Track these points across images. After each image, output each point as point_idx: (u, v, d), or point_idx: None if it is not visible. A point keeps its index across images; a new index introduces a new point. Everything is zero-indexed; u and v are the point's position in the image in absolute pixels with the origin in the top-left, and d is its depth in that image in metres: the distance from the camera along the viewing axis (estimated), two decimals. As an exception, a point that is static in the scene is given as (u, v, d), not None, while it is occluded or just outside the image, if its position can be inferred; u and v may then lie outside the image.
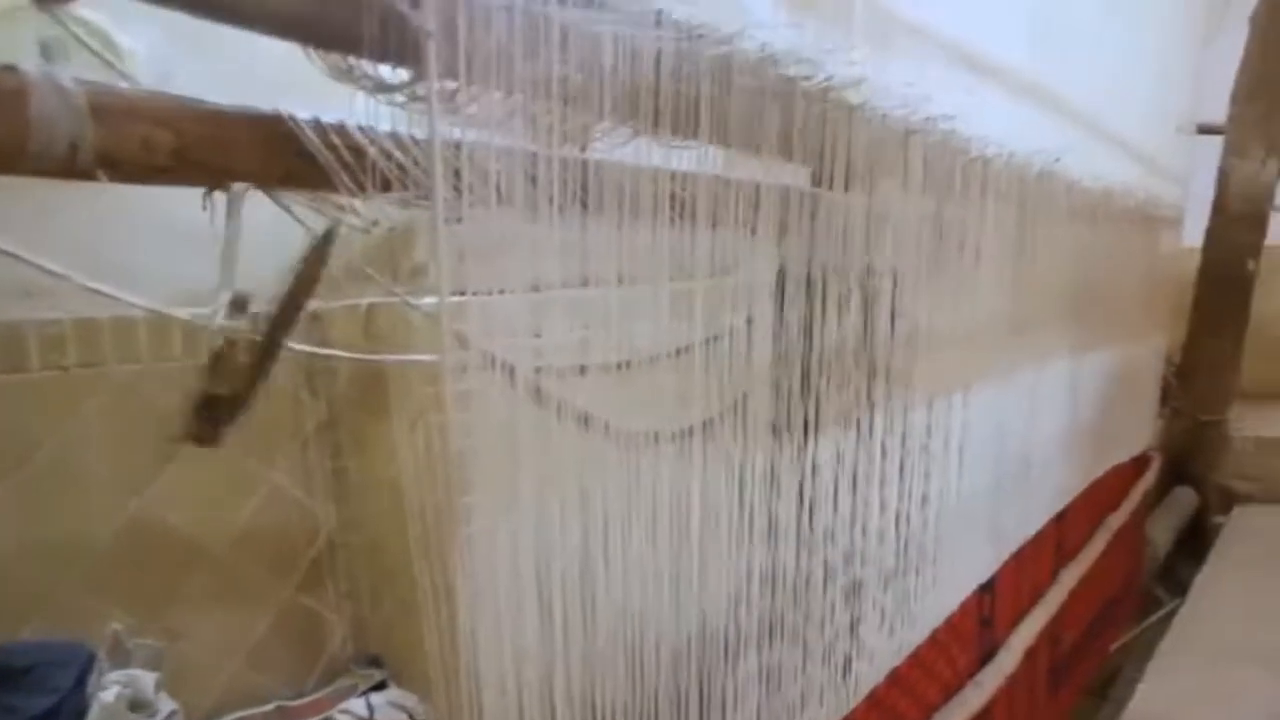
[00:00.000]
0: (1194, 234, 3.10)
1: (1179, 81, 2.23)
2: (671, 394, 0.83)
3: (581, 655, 0.73)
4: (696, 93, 0.69)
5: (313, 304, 1.41)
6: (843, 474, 1.04)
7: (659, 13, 0.63)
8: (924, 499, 1.19)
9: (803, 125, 0.81)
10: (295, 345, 1.13)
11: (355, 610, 1.58)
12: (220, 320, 0.87)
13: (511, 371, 0.67)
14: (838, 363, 1.00)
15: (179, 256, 1.01)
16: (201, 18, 0.47)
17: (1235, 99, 2.93)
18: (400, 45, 0.52)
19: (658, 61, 0.65)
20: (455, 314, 0.58)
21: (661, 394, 0.82)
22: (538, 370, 0.70)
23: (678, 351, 0.83)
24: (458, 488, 0.62)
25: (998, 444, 1.38)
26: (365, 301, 1.38)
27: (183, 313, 0.95)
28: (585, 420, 0.77)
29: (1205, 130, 2.92)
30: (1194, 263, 3.19)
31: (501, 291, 0.64)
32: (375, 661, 1.53)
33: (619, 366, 0.80)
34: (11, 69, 0.49)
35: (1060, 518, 1.74)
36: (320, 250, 0.74)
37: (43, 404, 1.22)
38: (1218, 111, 3.02)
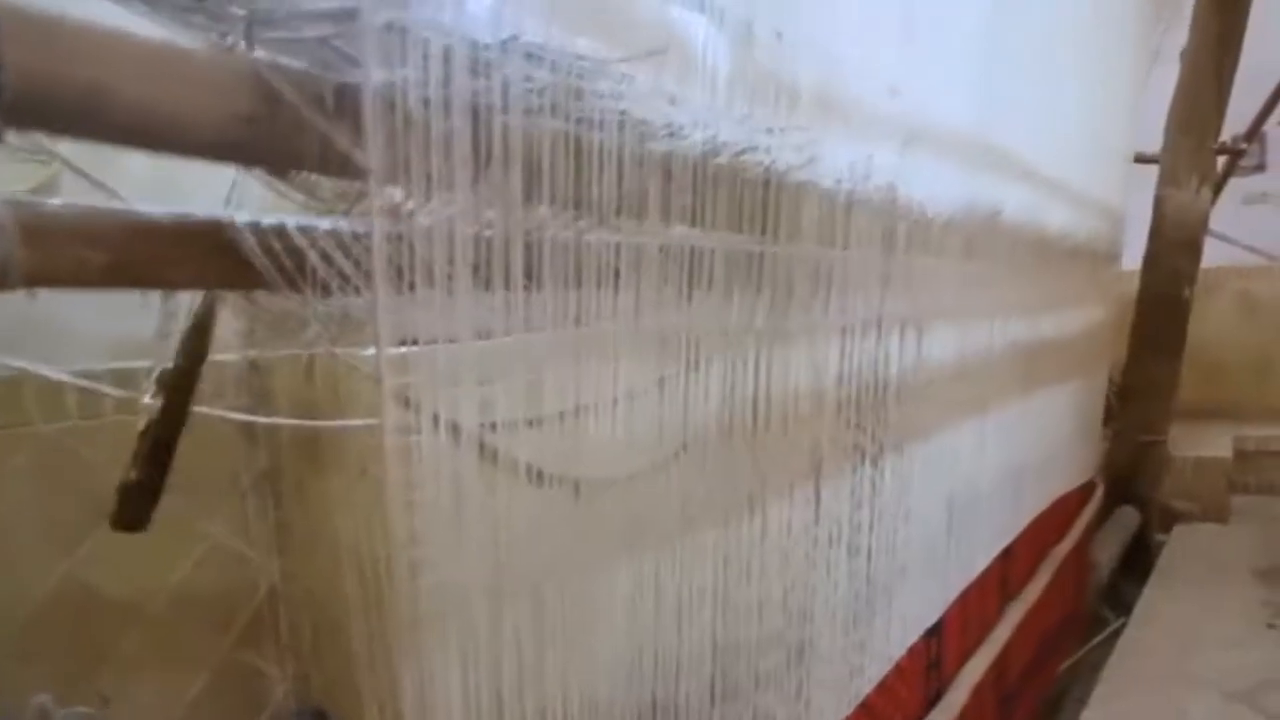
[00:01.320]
0: (1133, 257, 3.19)
1: (1118, 120, 2.30)
2: (618, 442, 0.83)
3: (533, 708, 0.73)
4: (643, 185, 0.69)
5: (253, 354, 1.40)
6: (791, 533, 1.05)
7: (602, 111, 0.63)
8: (871, 551, 1.20)
9: (750, 205, 0.82)
10: (222, 412, 1.12)
11: (298, 664, 1.55)
12: (148, 400, 0.86)
13: (455, 425, 0.67)
14: (786, 420, 1.01)
15: (112, 308, 0.99)
16: (133, 149, 0.47)
17: (1169, 131, 3.02)
18: (343, 162, 0.51)
19: (601, 158, 0.65)
20: (398, 368, 0.58)
21: (608, 443, 0.83)
22: (483, 424, 0.70)
23: (615, 401, 0.83)
24: (401, 541, 0.62)
25: (945, 489, 1.41)
26: (308, 352, 1.36)
27: (113, 391, 0.93)
28: (530, 471, 0.77)
29: (1141, 160, 3.00)
30: (1134, 285, 3.29)
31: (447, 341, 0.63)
32: (319, 715, 1.51)
33: (563, 416, 0.80)
34: (-64, 196, 0.47)
35: (1006, 552, 1.77)
36: (200, 330, 0.73)
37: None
38: (1152, 141, 3.11)
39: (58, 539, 1.25)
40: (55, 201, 0.52)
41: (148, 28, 0.50)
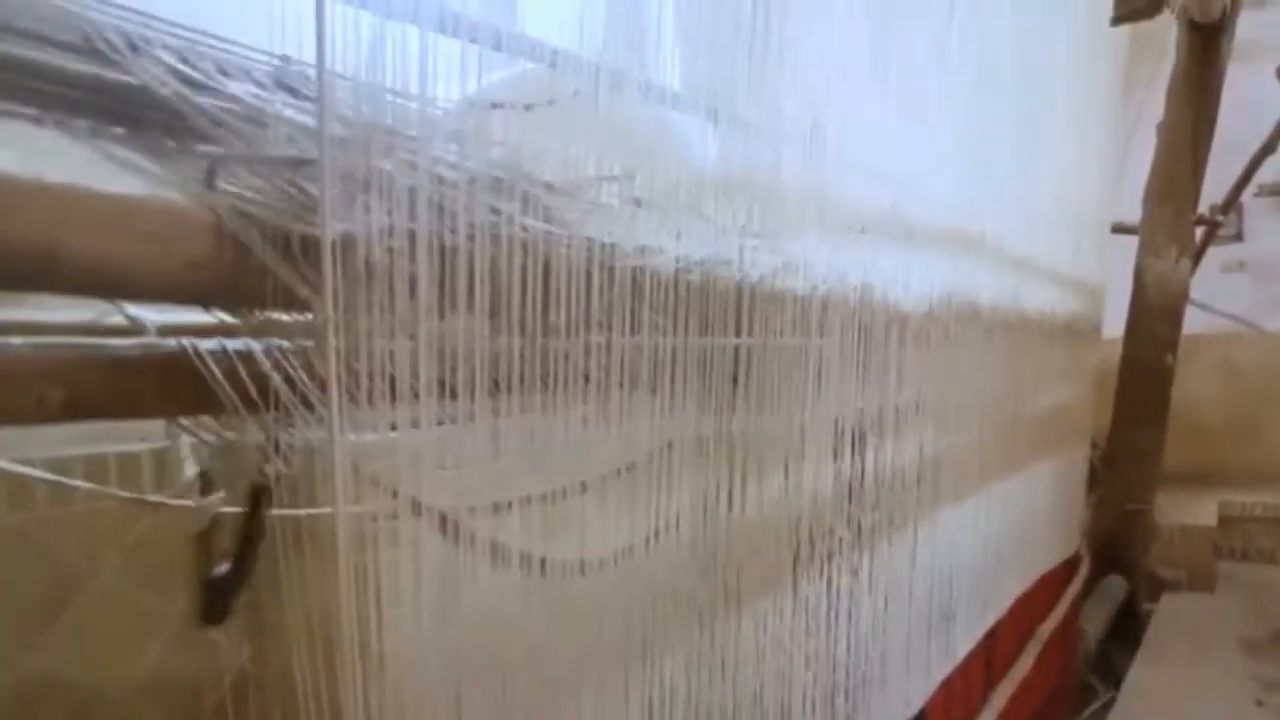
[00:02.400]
0: (1114, 324, 3.22)
1: (1097, 194, 2.33)
2: (591, 525, 0.83)
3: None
4: (613, 301, 0.69)
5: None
6: (767, 624, 1.04)
7: (570, 235, 0.64)
8: (850, 642, 1.19)
9: (724, 310, 0.82)
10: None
11: (271, 752, 1.51)
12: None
13: (424, 509, 0.66)
14: (762, 510, 1.01)
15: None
16: (98, 298, 0.47)
17: (1147, 203, 3.06)
18: (303, 303, 0.51)
19: (570, 278, 0.65)
20: (366, 455, 0.58)
21: (581, 525, 0.82)
22: (454, 509, 0.70)
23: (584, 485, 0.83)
24: (371, 625, 0.61)
25: (925, 575, 1.40)
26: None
27: (84, 485, 0.92)
28: (495, 553, 0.76)
29: (1119, 230, 3.04)
30: (1116, 351, 3.31)
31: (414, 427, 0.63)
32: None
33: (534, 500, 0.79)
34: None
35: (990, 634, 1.75)
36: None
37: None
38: (1133, 210, 3.16)
39: (18, 629, 1.22)
40: (16, 341, 0.52)
41: (109, 171, 0.51)
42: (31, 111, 0.51)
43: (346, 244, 0.49)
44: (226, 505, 1.16)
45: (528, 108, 0.62)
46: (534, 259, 0.61)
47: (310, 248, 0.49)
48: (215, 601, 0.90)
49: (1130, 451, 3.31)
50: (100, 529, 1.06)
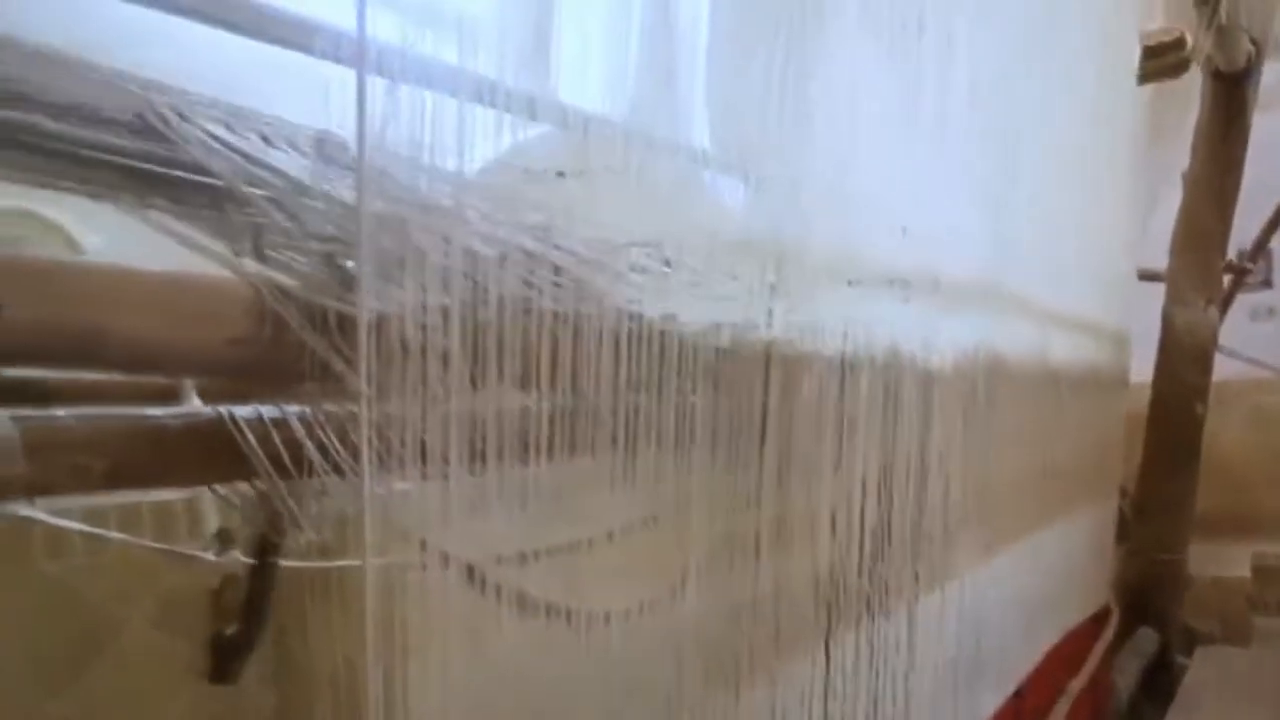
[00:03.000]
0: (1142, 369, 3.19)
1: (1124, 242, 2.33)
2: (615, 577, 0.83)
3: None
4: (640, 365, 0.70)
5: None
6: (791, 687, 1.03)
7: (601, 304, 0.64)
8: (877, 703, 1.18)
9: (749, 373, 0.83)
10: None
11: (295, 802, 1.51)
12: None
13: (450, 560, 0.66)
14: (789, 568, 1.00)
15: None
16: (130, 374, 0.48)
17: (1173, 250, 3.05)
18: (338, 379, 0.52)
19: (598, 344, 0.66)
20: (395, 506, 0.58)
21: (609, 574, 0.82)
22: (481, 560, 0.70)
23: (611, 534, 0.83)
24: (396, 677, 0.62)
25: (952, 632, 1.38)
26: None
27: (117, 536, 0.93)
28: (528, 604, 0.76)
29: (1146, 277, 3.03)
30: (1144, 397, 3.27)
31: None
32: None
33: (558, 551, 0.79)
34: (-57, 419, 0.48)
35: (1018, 691, 1.72)
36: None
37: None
38: (1161, 256, 3.14)
39: (47, 678, 1.23)
40: (61, 412, 0.53)
41: (155, 242, 0.52)
42: (86, 186, 0.53)
43: (381, 321, 0.50)
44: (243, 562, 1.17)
45: (560, 174, 0.63)
46: (564, 329, 0.62)
47: (346, 324, 0.50)
48: (225, 662, 0.91)
49: (1160, 500, 3.26)
50: (133, 578, 1.07)
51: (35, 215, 0.84)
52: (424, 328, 0.51)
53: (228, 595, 0.87)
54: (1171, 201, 3.11)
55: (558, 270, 0.60)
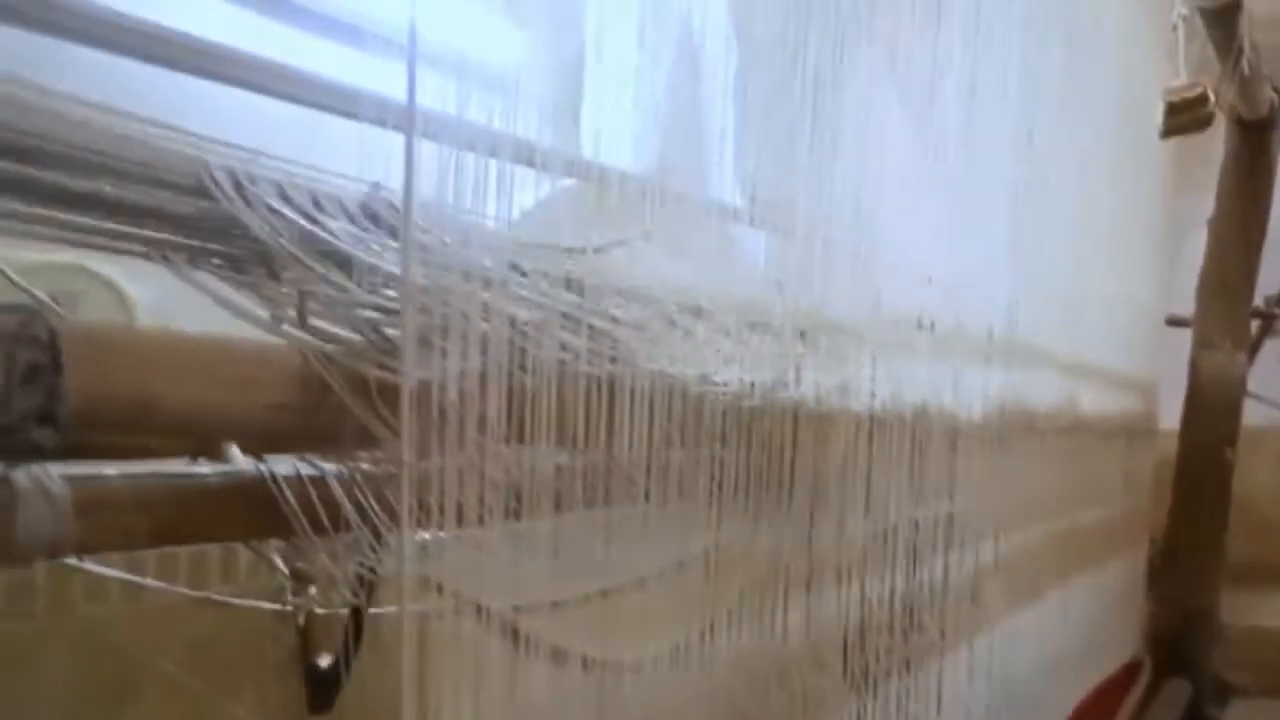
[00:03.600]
0: (1170, 414, 3.15)
1: (1149, 289, 2.32)
2: (648, 625, 0.83)
3: None
4: (673, 425, 0.71)
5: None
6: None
7: (635, 368, 0.65)
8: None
9: (779, 430, 0.83)
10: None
11: None
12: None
13: (486, 612, 0.67)
14: (818, 631, 1.00)
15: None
16: (176, 438, 0.49)
17: (1200, 296, 3.03)
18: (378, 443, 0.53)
19: (633, 406, 0.67)
20: (428, 557, 0.58)
21: (638, 625, 0.82)
22: (515, 608, 0.70)
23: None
24: None
25: (981, 687, 1.36)
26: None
27: (155, 584, 0.94)
28: (560, 654, 0.77)
29: (1174, 323, 3.01)
30: (1172, 443, 3.23)
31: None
32: None
33: (590, 600, 0.79)
34: (3, 479, 0.50)
35: (1049, 747, 1.70)
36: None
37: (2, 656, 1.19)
38: (1185, 304, 3.12)
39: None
40: (110, 471, 0.55)
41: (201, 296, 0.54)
42: (141, 248, 0.55)
43: (423, 387, 0.51)
44: (317, 604, 1.18)
45: (598, 250, 0.65)
46: (599, 391, 0.62)
47: (389, 391, 0.51)
48: (322, 691, 0.93)
49: (1190, 547, 3.21)
50: (168, 624, 1.07)
51: (86, 269, 0.86)
52: (463, 393, 0.52)
53: (318, 630, 0.89)
54: (1198, 246, 3.09)
55: (593, 332, 0.61)
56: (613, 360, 0.62)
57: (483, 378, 0.54)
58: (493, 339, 0.55)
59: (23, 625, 1.21)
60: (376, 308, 0.51)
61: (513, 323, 0.56)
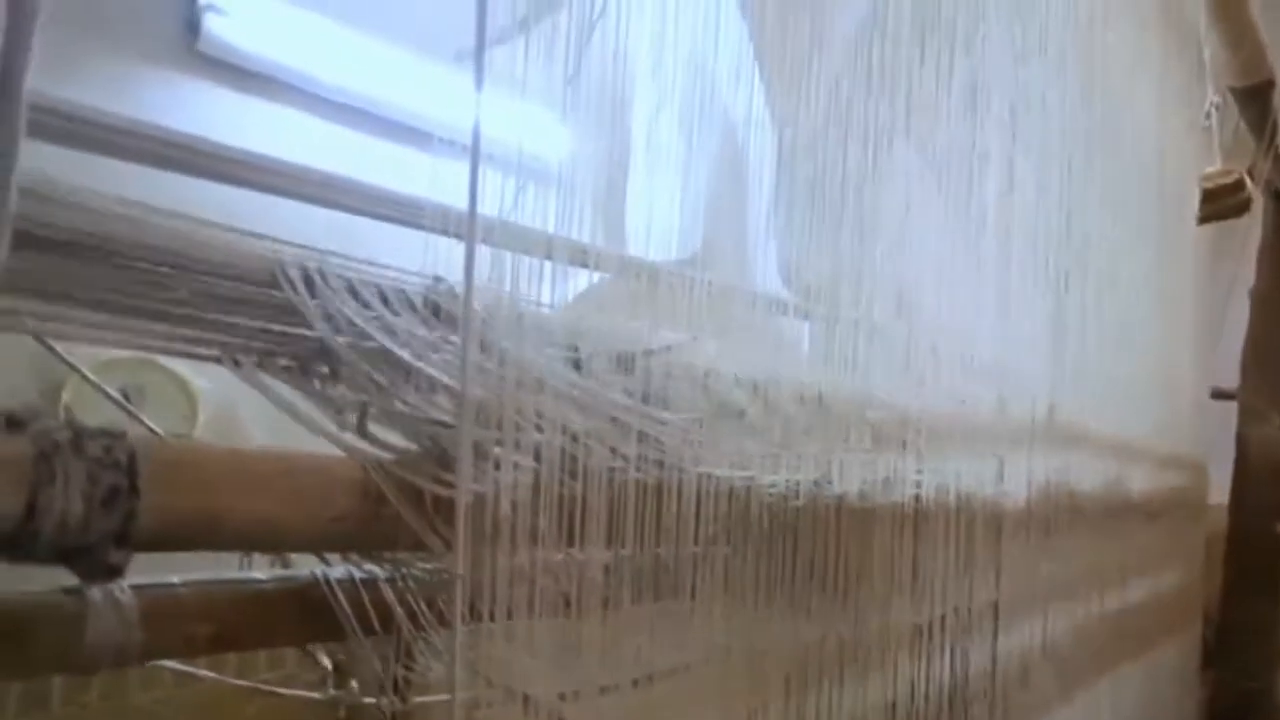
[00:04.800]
0: (1223, 488, 3.08)
1: (1195, 364, 2.29)
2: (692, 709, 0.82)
3: None
4: (719, 525, 0.71)
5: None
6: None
7: (682, 471, 0.66)
8: None
9: (824, 526, 0.83)
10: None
11: None
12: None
13: (533, 702, 0.66)
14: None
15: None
16: (238, 551, 0.50)
17: (1244, 368, 2.98)
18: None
19: (680, 506, 0.68)
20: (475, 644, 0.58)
21: (682, 709, 0.81)
22: (560, 696, 0.70)
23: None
24: None
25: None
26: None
27: (207, 674, 0.95)
28: None
29: (1219, 396, 2.96)
30: (1222, 517, 3.15)
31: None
32: None
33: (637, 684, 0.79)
34: (76, 592, 0.51)
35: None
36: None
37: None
38: (1230, 376, 3.07)
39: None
40: (175, 579, 0.56)
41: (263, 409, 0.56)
42: (212, 352, 0.57)
43: (477, 502, 0.52)
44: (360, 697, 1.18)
45: (648, 352, 0.66)
46: (648, 496, 0.63)
47: (444, 504, 0.52)
48: None
49: (1244, 626, 3.11)
50: (217, 711, 1.08)
51: (153, 362, 0.89)
52: (516, 506, 0.53)
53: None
54: (1241, 317, 3.06)
55: (643, 438, 0.62)
56: (661, 465, 0.62)
57: (535, 488, 0.55)
58: (546, 449, 0.56)
59: (78, 714, 1.23)
60: (434, 421, 0.53)
61: (565, 430, 0.57)
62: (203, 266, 0.53)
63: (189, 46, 1.56)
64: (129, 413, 0.88)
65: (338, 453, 0.54)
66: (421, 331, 0.58)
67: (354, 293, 0.57)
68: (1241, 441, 3.04)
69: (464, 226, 0.58)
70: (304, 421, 0.56)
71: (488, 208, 0.62)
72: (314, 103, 1.71)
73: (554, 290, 0.72)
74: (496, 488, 0.52)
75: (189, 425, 1.12)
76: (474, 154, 0.58)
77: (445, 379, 0.53)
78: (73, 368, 0.77)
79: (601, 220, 0.88)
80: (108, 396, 0.81)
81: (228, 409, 1.07)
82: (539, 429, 0.55)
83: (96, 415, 1.15)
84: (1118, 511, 1.60)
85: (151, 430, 0.86)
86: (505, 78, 0.74)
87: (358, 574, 0.63)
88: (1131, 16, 1.58)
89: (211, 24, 1.55)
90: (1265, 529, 3.10)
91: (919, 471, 0.95)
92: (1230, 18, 1.72)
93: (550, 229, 0.72)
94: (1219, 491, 3.07)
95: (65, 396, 1.01)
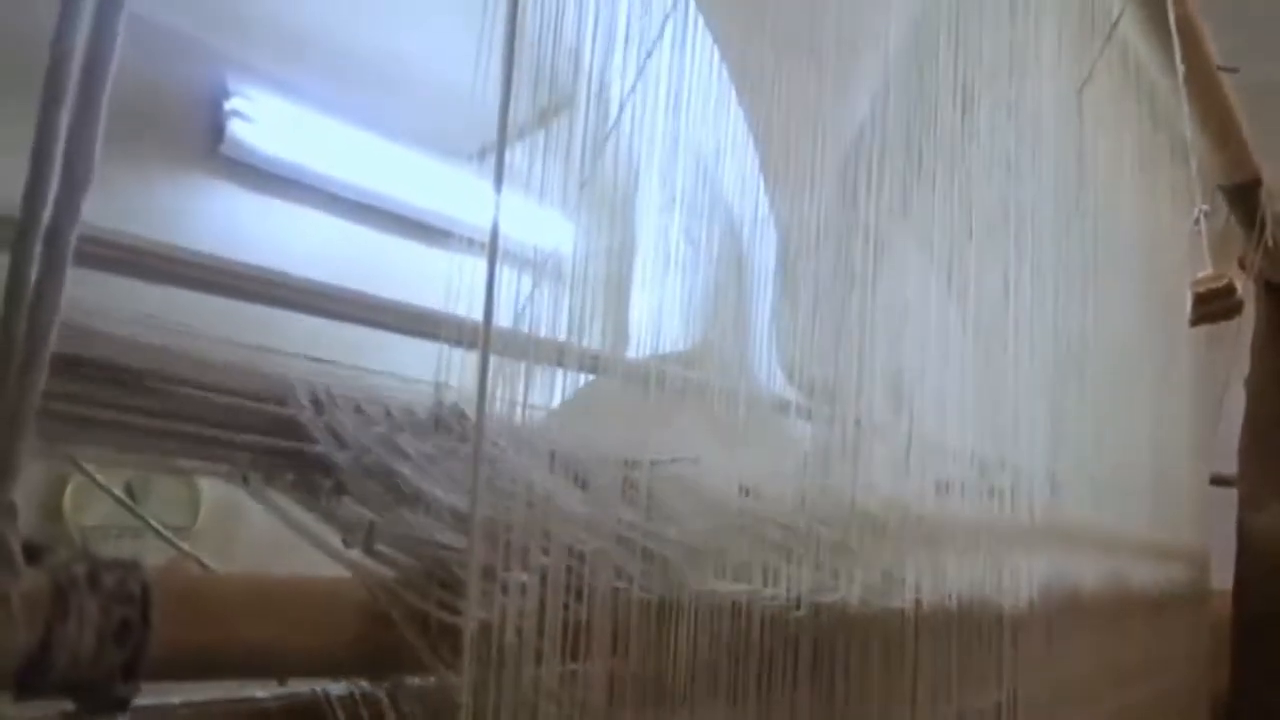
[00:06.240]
0: (1225, 572, 3.05)
1: (1193, 453, 2.30)
2: None
3: None
4: (722, 639, 0.71)
5: None
6: None
7: (684, 590, 0.66)
8: None
9: (828, 636, 0.83)
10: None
11: None
12: None
13: None
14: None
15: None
16: (246, 679, 0.50)
17: (1241, 456, 2.99)
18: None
19: (681, 623, 0.67)
20: None
21: None
22: None
23: None
24: None
25: None
26: None
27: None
28: None
29: (1218, 482, 2.95)
30: (1227, 603, 3.11)
31: None
32: None
33: None
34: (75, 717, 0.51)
35: None
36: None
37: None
38: (1230, 462, 3.07)
39: None
40: (175, 700, 0.56)
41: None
42: (222, 468, 0.58)
43: (483, 627, 0.52)
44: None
45: (653, 463, 0.66)
46: (651, 614, 0.63)
47: (449, 629, 0.53)
48: None
49: (1253, 712, 3.06)
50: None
51: (159, 464, 0.90)
52: (521, 632, 0.53)
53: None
54: (1239, 403, 3.07)
55: (648, 556, 0.63)
56: (664, 585, 0.63)
57: (540, 613, 0.55)
58: (552, 570, 0.56)
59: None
60: (442, 546, 0.53)
61: (572, 553, 0.58)
62: (217, 388, 0.54)
63: (213, 150, 1.61)
64: (131, 511, 0.88)
65: (345, 575, 0.55)
66: (428, 449, 0.59)
67: (360, 411, 0.58)
68: (1243, 529, 3.03)
69: (476, 337, 0.59)
70: (310, 539, 0.57)
71: (500, 316, 0.63)
72: (332, 202, 1.76)
73: (561, 392, 0.73)
74: (503, 615, 0.52)
75: (191, 517, 1.12)
76: (490, 262, 0.59)
77: (452, 500, 0.54)
78: (80, 469, 0.77)
79: (608, 318, 0.90)
80: (112, 496, 0.82)
81: (230, 501, 1.08)
82: (545, 551, 0.56)
83: (100, 508, 1.16)
84: (1120, 606, 1.59)
85: (154, 529, 0.86)
86: (517, 177, 0.76)
87: (359, 692, 0.63)
88: (1122, 121, 1.63)
89: (236, 129, 1.61)
90: (1271, 617, 3.06)
91: (918, 572, 0.95)
92: (1215, 118, 1.77)
93: (558, 330, 0.73)
94: (1221, 576, 3.04)
95: (69, 489, 1.02)
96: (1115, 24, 1.35)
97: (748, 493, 0.79)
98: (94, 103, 0.38)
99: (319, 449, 0.58)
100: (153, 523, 0.86)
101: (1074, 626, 1.37)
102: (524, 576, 0.54)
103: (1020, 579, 1.19)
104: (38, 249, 0.37)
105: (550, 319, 0.74)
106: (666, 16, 0.93)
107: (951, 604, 1.02)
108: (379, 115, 1.76)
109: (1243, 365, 3.00)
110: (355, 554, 0.57)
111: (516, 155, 0.77)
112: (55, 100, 0.37)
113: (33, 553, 0.43)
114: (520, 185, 0.76)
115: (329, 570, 0.58)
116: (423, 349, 0.76)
